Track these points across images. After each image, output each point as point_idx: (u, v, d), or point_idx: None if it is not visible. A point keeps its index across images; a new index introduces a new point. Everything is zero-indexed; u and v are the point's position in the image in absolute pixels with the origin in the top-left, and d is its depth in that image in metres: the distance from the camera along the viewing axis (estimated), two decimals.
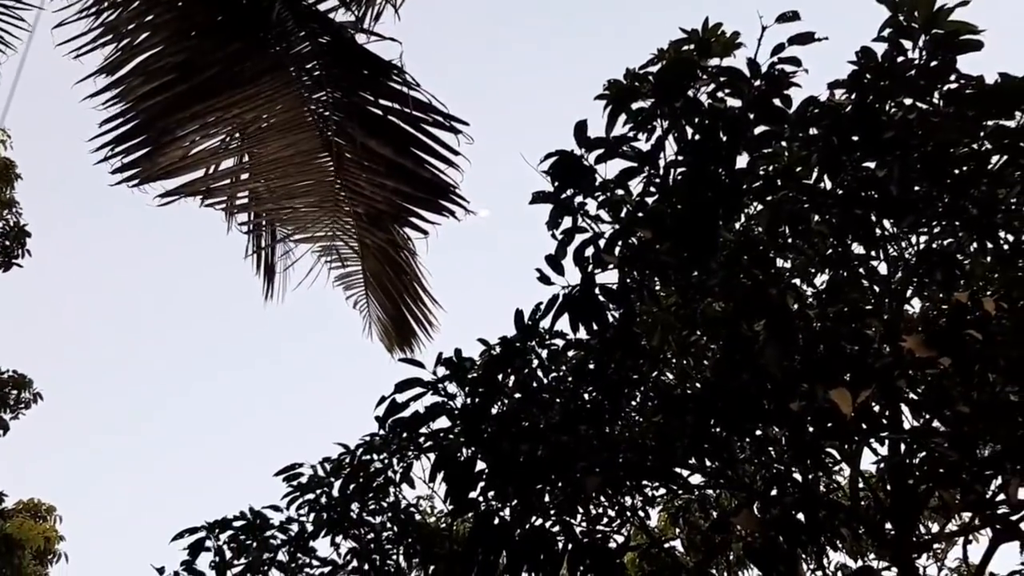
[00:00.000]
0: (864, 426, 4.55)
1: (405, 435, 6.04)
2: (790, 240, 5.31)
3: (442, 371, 5.60)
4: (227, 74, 4.81)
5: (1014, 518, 4.61)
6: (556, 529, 5.33)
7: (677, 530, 8.59)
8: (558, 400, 5.55)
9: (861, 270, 5.32)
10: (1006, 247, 4.89)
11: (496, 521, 5.10)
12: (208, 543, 6.67)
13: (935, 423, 4.69)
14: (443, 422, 5.79)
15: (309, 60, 4.89)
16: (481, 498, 5.24)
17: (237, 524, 6.75)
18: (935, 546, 8.13)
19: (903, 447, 4.80)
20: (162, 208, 4.84)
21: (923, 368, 4.13)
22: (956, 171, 4.65)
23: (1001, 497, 4.55)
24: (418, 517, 7.28)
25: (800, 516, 4.85)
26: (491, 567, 4.99)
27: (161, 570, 6.56)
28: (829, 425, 4.49)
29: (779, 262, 6.22)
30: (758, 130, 4.86)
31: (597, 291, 4.86)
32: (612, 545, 5.55)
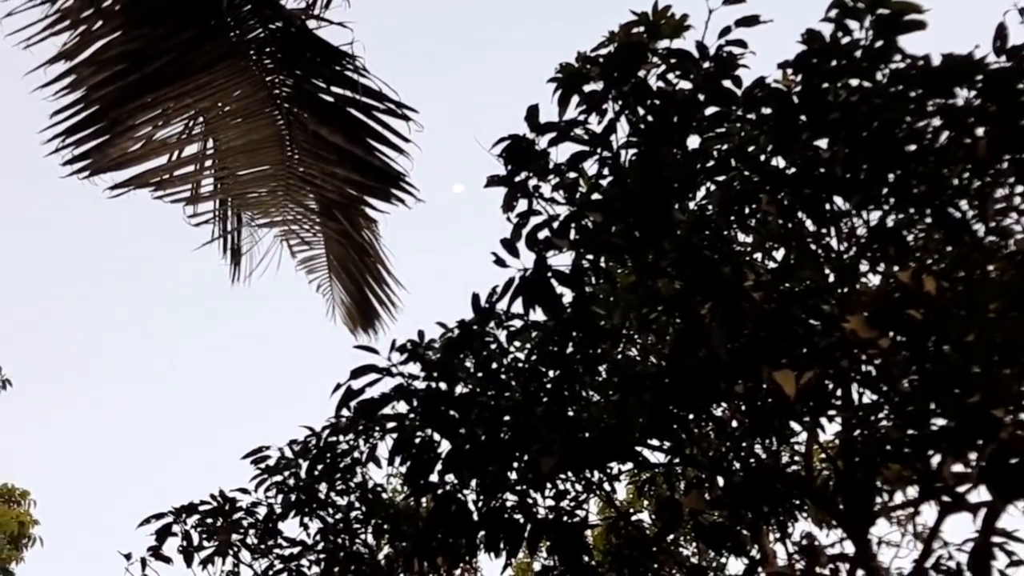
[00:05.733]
0: (811, 403, 4.62)
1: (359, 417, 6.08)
2: (745, 220, 5.36)
3: (397, 357, 5.64)
4: (180, 62, 4.81)
5: (961, 489, 4.70)
6: (517, 506, 5.40)
7: (644, 502, 8.69)
8: (515, 381, 5.60)
9: (814, 247, 5.37)
10: (953, 223, 4.94)
11: (456, 503, 5.16)
12: (175, 528, 6.73)
13: (880, 400, 4.77)
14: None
15: (262, 47, 4.90)
16: (441, 480, 5.30)
17: (204, 508, 6.80)
18: (895, 514, 8.24)
19: (853, 421, 4.88)
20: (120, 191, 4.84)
21: (865, 349, 4.20)
22: (901, 150, 4.70)
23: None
24: (386, 496, 7.35)
25: (757, 490, 4.94)
26: (452, 548, 5.07)
27: (128, 556, 6.61)
28: (777, 403, 4.56)
29: (741, 237, 6.29)
30: (709, 111, 4.90)
31: (550, 274, 4.90)
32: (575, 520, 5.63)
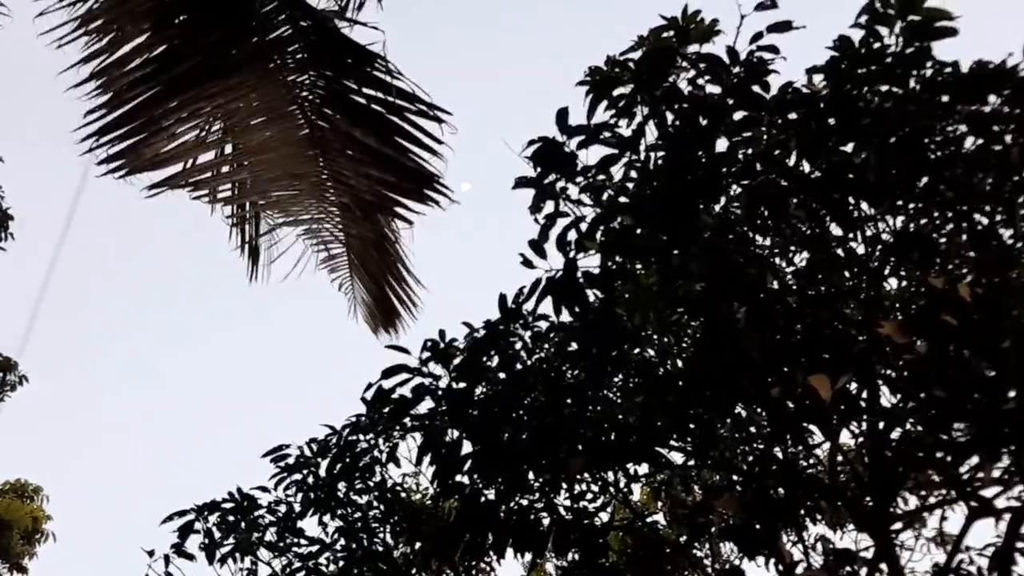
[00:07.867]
0: (842, 407, 4.64)
1: (392, 418, 6.10)
2: (769, 223, 5.38)
3: (427, 356, 5.65)
4: (210, 63, 4.79)
5: (988, 494, 4.73)
6: (541, 507, 5.42)
7: (659, 503, 8.67)
8: (539, 379, 5.62)
9: (839, 251, 5.39)
10: (979, 229, 4.96)
11: (482, 502, 5.18)
12: (197, 525, 6.74)
13: (911, 404, 4.78)
14: (430, 402, 5.85)
15: (292, 49, 4.89)
16: (467, 480, 5.32)
17: (226, 506, 6.82)
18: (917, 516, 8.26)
19: (881, 425, 4.90)
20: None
21: (900, 354, 4.21)
22: (932, 156, 4.72)
23: (979, 475, 4.66)
24: (404, 495, 7.35)
25: (779, 493, 4.95)
26: (477, 547, 5.09)
27: (151, 553, 6.63)
28: (808, 406, 4.57)
29: (759, 239, 6.30)
30: (737, 116, 4.92)
31: (579, 276, 4.92)
32: (597, 522, 5.65)
